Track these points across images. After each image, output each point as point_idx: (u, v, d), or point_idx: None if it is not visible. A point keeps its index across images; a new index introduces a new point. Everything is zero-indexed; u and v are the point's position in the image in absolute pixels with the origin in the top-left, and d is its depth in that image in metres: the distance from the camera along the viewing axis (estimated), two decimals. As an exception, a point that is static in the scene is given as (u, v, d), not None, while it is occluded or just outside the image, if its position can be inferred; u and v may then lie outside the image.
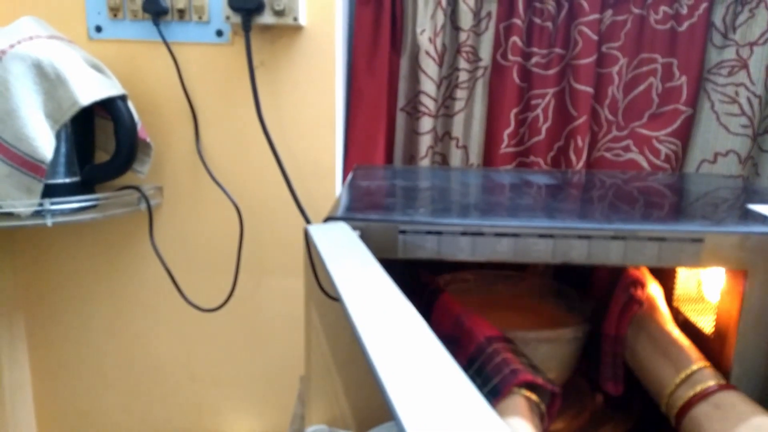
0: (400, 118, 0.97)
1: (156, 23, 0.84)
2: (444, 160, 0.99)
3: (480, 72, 0.94)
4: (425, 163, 0.96)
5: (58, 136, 0.74)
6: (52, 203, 0.74)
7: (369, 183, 0.69)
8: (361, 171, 0.78)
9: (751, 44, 0.88)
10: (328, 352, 0.56)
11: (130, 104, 0.80)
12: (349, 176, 0.73)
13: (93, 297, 0.95)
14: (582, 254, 0.50)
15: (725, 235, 0.49)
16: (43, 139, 0.71)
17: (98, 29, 0.86)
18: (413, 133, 0.97)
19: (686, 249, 0.50)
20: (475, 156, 0.97)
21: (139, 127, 0.82)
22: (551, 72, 0.92)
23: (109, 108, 0.78)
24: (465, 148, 0.97)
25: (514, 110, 0.94)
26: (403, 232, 0.51)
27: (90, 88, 0.75)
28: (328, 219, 0.50)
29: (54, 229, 0.92)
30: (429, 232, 0.51)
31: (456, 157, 0.97)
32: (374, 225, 0.51)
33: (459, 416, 0.23)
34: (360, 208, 0.56)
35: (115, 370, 0.98)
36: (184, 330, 0.96)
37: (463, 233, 0.51)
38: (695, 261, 0.50)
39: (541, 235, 0.50)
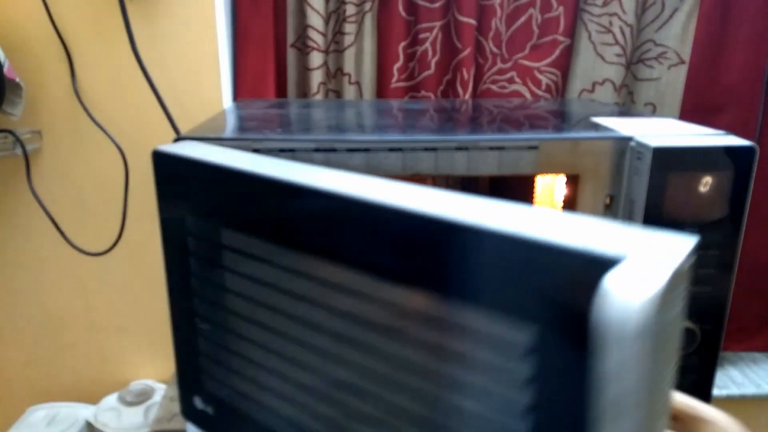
0: (291, 55, 0.97)
1: (15, -46, 0.79)
2: (338, 96, 0.99)
3: (368, 5, 0.94)
4: (318, 98, 0.96)
5: None
6: None
7: (241, 112, 0.69)
8: (241, 104, 0.78)
9: (623, -25, 0.92)
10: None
11: (-8, 41, 0.75)
12: (225, 108, 0.73)
13: (-24, 249, 0.91)
14: (430, 166, 0.53)
15: (557, 142, 0.53)
16: None
17: (-49, -39, 0.80)
18: (305, 70, 0.96)
19: (524, 156, 0.53)
20: (368, 92, 0.98)
21: (7, 66, 0.77)
22: (437, 5, 0.93)
23: (-33, 45, 0.73)
24: (358, 84, 0.98)
25: (402, 44, 0.95)
26: (257, 150, 0.52)
27: (-60, 22, 0.70)
28: (178, 139, 0.50)
29: (-77, 179, 0.87)
30: (282, 150, 0.52)
31: (350, 94, 0.98)
32: (227, 143, 0.51)
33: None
34: (216, 129, 0.56)
35: (11, 324, 0.96)
36: (80, 279, 0.94)
37: (316, 150, 0.52)
38: (533, 168, 0.53)
39: (391, 149, 0.52)
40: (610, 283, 0.20)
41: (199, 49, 0.85)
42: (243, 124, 0.62)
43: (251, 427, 0.41)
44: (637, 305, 0.19)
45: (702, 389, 0.57)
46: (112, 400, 0.93)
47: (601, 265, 0.21)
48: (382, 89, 0.98)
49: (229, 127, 0.60)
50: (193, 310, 0.42)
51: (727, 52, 0.95)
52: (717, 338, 0.54)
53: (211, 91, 0.87)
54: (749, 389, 1.03)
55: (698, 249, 0.52)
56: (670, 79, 0.97)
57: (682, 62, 0.96)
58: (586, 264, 0.21)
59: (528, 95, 0.98)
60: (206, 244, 0.38)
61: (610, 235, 0.22)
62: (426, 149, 0.52)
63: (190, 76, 0.86)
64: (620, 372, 0.21)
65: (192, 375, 0.47)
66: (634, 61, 0.98)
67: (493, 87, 0.98)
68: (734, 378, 1.06)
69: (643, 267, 0.20)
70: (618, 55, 0.96)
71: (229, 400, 0.42)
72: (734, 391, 1.03)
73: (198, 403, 0.50)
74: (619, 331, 0.20)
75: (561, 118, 0.68)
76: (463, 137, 0.52)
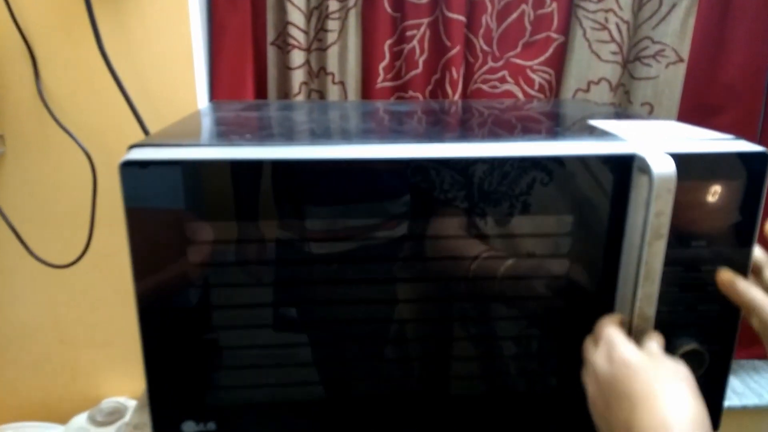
0: (271, 53, 0.92)
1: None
2: (321, 97, 0.94)
3: (351, 1, 0.89)
4: (299, 100, 0.91)
5: None
6: None
7: (214, 114, 0.64)
8: (215, 105, 0.73)
9: (619, -31, 0.88)
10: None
11: (-55, 39, 0.70)
12: (199, 109, 0.68)
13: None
14: (414, 174, 0.48)
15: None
16: None
17: None
18: (285, 69, 0.91)
19: (517, 164, 0.48)
20: (352, 92, 0.93)
21: (-38, 66, 0.72)
22: (424, 1, 0.89)
23: None
24: (342, 84, 0.93)
25: (389, 41, 0.90)
26: (221, 159, 0.47)
27: None
28: (132, 147, 0.45)
29: None
30: (250, 158, 0.47)
31: (333, 94, 0.93)
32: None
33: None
34: (179, 134, 0.51)
35: (-25, 340, 0.91)
36: (47, 291, 0.89)
37: (288, 157, 0.47)
38: (527, 176, 0.49)
39: (371, 156, 0.48)
40: (652, 161, 0.42)
41: (172, 47, 0.80)
42: (214, 129, 0.57)
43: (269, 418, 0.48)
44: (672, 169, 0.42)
45: (710, 414, 0.52)
46: (81, 419, 0.87)
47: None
48: (367, 89, 0.93)
49: (196, 131, 0.55)
50: (208, 324, 0.45)
51: (727, 49, 0.91)
52: (726, 360, 0.50)
53: (186, 91, 0.82)
54: (751, 400, 0.99)
55: (706, 263, 0.48)
56: (668, 78, 0.93)
57: (681, 60, 0.92)
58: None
59: (520, 95, 0.94)
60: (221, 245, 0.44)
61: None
62: (409, 156, 0.48)
63: (163, 77, 0.81)
64: (665, 209, 0.42)
65: (180, 400, 0.45)
66: (630, 59, 0.94)
67: (484, 87, 0.94)
68: (735, 387, 1.02)
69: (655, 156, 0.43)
70: (614, 53, 0.92)
71: (243, 401, 0.48)
72: (735, 402, 0.99)
73: (189, 427, 0.47)
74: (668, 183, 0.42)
75: (555, 121, 0.64)
76: (452, 144, 0.48)
